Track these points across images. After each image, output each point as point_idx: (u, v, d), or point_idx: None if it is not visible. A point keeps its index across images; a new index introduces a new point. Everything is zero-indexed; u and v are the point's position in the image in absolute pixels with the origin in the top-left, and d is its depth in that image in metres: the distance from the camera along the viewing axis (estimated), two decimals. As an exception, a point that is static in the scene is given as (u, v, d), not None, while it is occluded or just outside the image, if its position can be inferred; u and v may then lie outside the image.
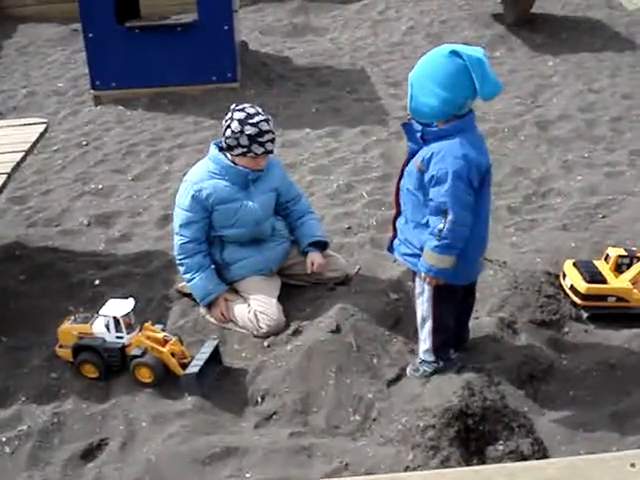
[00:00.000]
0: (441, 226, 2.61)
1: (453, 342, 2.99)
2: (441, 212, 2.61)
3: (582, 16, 8.23)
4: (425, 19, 8.45)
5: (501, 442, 2.64)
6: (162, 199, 4.64)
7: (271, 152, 3.33)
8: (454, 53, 2.53)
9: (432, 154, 2.60)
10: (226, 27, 6.01)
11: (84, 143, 5.56)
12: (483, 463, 2.56)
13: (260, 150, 3.27)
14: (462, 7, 8.78)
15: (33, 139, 3.57)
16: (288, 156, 5.15)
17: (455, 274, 2.73)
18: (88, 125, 5.90)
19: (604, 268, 3.40)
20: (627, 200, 4.36)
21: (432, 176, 2.60)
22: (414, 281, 2.89)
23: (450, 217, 2.59)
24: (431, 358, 2.92)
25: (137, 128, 5.79)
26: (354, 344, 3.12)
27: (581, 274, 3.36)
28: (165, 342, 3.05)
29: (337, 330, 3.17)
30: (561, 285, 3.47)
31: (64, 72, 7.23)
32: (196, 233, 3.37)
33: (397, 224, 2.87)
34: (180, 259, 3.40)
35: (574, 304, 3.36)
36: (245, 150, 3.27)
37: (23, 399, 2.98)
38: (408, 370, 3.00)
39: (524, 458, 2.57)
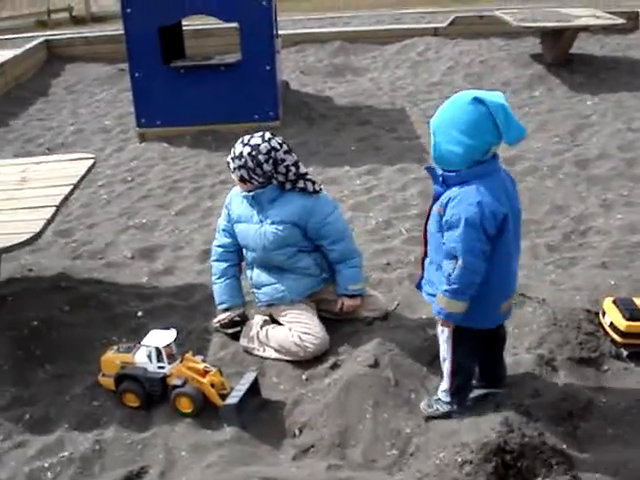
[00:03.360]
0: (451, 271, 2.62)
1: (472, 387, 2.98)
2: (452, 257, 2.62)
3: (621, 56, 8.25)
4: (465, 59, 8.56)
5: (539, 479, 2.62)
6: (204, 234, 4.74)
7: (229, 168, 3.41)
8: (476, 100, 2.53)
9: (449, 199, 2.61)
10: (268, 67, 6.17)
11: (129, 179, 5.73)
12: (521, 500, 2.54)
13: None
14: (502, 47, 8.88)
15: (81, 173, 3.70)
16: (328, 193, 5.21)
17: (473, 318, 2.73)
18: (133, 161, 6.09)
19: (645, 306, 3.37)
20: (668, 239, 4.32)
21: (447, 221, 2.62)
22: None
23: (460, 263, 2.59)
24: (447, 399, 2.93)
25: (180, 165, 5.95)
26: (392, 379, 3.14)
27: (621, 312, 3.33)
28: (205, 373, 3.10)
29: (375, 364, 3.19)
30: (600, 323, 3.44)
31: (110, 110, 7.48)
32: (225, 240, 3.57)
33: (425, 263, 2.90)
34: (211, 260, 3.66)
35: (614, 342, 3.33)
36: None
37: (65, 426, 3.05)
38: (422, 405, 3.01)
39: (563, 497, 2.56)
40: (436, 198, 2.73)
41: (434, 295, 2.79)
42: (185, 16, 6.17)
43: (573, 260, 4.23)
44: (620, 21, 7.47)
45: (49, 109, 7.82)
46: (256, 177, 3.34)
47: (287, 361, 3.39)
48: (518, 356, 3.27)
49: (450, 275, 2.63)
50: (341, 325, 3.57)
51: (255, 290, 3.58)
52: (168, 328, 3.23)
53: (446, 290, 2.66)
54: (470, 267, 2.60)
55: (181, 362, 3.13)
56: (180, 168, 5.89)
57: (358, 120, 6.84)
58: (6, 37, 11.41)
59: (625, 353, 3.29)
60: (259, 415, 3.08)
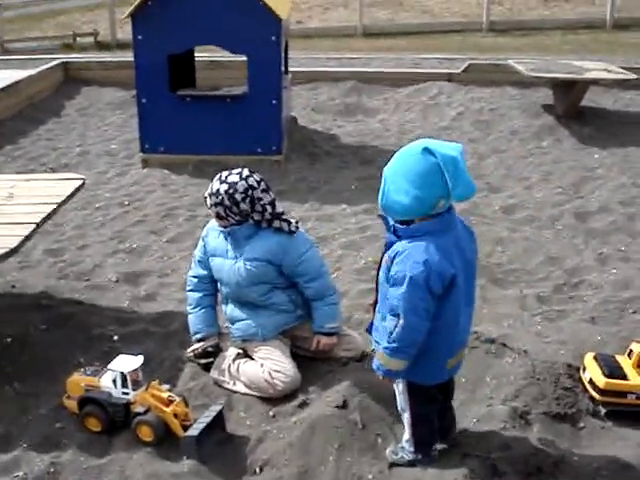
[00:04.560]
0: (392, 329, 2.54)
1: (438, 436, 2.89)
2: (395, 314, 2.53)
3: (633, 111, 8.23)
4: (475, 106, 8.57)
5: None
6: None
7: (205, 204, 3.40)
8: (427, 150, 2.42)
9: (396, 254, 2.52)
10: (274, 101, 6.20)
11: (126, 203, 5.74)
12: None
13: None
14: (514, 96, 8.89)
15: (67, 193, 3.70)
16: (322, 230, 5.21)
17: (418, 374, 2.67)
18: (133, 186, 6.11)
19: (626, 364, 3.28)
20: (661, 297, 4.24)
21: (391, 276, 2.53)
22: None
23: (401, 322, 2.51)
24: (411, 449, 2.84)
25: (179, 192, 5.96)
26: (359, 422, 3.06)
27: (600, 368, 3.24)
28: (169, 402, 3.05)
29: (344, 406, 3.11)
30: (580, 378, 3.35)
31: (118, 134, 7.54)
32: (200, 271, 3.53)
33: (376, 309, 2.78)
34: (186, 290, 3.62)
35: (592, 399, 3.24)
36: None
37: (24, 445, 3.00)
38: (387, 451, 2.92)
39: None
40: (388, 247, 2.61)
41: (379, 343, 2.71)
42: (194, 46, 6.24)
43: (562, 313, 4.15)
44: (632, 76, 7.46)
45: (58, 130, 7.90)
46: (232, 215, 3.31)
47: (256, 396, 3.32)
48: (492, 407, 3.18)
49: (392, 333, 2.55)
50: (315, 364, 3.50)
51: (229, 325, 3.53)
52: (136, 354, 3.18)
53: (386, 347, 2.59)
54: (411, 326, 2.51)
55: (146, 390, 3.08)
56: (178, 196, 5.89)
57: (362, 159, 6.83)
58: (28, 57, 11.62)
59: (603, 411, 3.20)
60: (221, 450, 3.01)
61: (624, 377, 3.20)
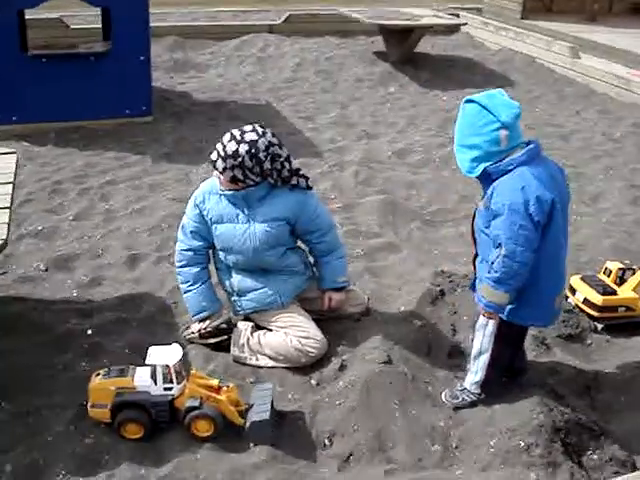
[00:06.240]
0: (494, 259, 2.57)
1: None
2: (497, 245, 2.57)
3: (453, 55, 8.78)
4: (310, 56, 8.56)
5: (590, 451, 2.67)
6: (119, 239, 4.24)
7: (215, 168, 3.08)
8: (467, 101, 2.63)
9: (493, 189, 2.59)
10: (142, 57, 5.69)
11: (-3, 182, 4.94)
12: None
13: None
14: (340, 45, 9.04)
15: (12, 169, 3.11)
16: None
17: (532, 315, 2.71)
18: (-8, 163, 5.26)
19: (607, 281, 3.58)
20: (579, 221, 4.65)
21: (492, 210, 2.58)
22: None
23: (502, 251, 2.53)
24: (477, 390, 2.90)
25: (53, 165, 5.27)
26: (408, 373, 3.03)
27: (593, 288, 3.51)
28: (218, 389, 2.75)
29: (389, 361, 3.05)
30: (571, 300, 3.60)
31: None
32: (195, 243, 3.21)
33: (476, 263, 2.82)
34: (178, 267, 3.27)
35: (590, 317, 3.50)
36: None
37: (63, 472, 2.54)
38: (444, 396, 2.96)
39: (623, 464, 2.63)
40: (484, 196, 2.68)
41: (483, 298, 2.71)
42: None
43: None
44: (462, 21, 7.94)
45: None
46: (253, 176, 3.03)
47: (286, 368, 3.13)
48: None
49: (493, 263, 2.58)
50: (328, 323, 3.35)
51: (236, 297, 3.24)
52: (170, 343, 2.81)
53: (488, 278, 2.61)
54: (513, 256, 2.53)
55: (188, 380, 2.75)
56: (53, 170, 5.20)
57: (228, 115, 6.53)
58: None
59: (600, 326, 3.48)
60: (280, 429, 2.80)
61: (614, 293, 3.50)
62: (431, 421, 2.84)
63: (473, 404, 2.90)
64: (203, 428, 2.69)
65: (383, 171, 5.41)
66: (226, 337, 3.19)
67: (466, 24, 8.13)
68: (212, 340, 3.21)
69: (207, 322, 3.21)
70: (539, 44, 8.86)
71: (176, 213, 4.52)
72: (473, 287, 2.86)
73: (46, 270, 3.85)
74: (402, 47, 7.98)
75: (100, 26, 6.20)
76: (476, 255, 2.81)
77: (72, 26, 8.78)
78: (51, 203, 4.68)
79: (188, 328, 3.29)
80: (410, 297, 3.62)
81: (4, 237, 2.62)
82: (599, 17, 10.63)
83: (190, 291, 3.22)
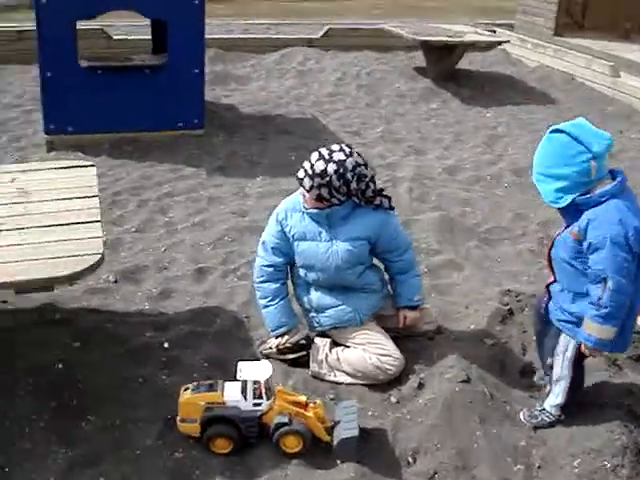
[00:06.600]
0: (600, 294, 2.56)
1: None
2: (600, 280, 2.56)
3: (495, 71, 8.81)
4: (351, 70, 8.62)
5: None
6: (183, 251, 4.28)
7: (301, 186, 3.10)
8: (554, 131, 2.61)
9: (588, 221, 2.57)
10: (196, 70, 5.75)
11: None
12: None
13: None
14: (380, 60, 9.10)
15: (93, 182, 3.17)
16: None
17: (617, 343, 2.71)
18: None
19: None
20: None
21: (590, 243, 2.57)
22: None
23: (610, 285, 2.53)
24: (557, 413, 2.92)
25: (108, 176, 5.32)
26: (487, 392, 3.04)
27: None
28: (306, 406, 2.78)
29: (468, 380, 3.07)
30: None
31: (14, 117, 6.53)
32: (276, 259, 3.24)
33: (551, 289, 2.83)
34: (258, 282, 3.30)
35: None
36: None
37: (156, 487, 2.57)
38: (523, 415, 2.98)
39: None
40: (566, 226, 2.69)
41: (569, 322, 2.75)
42: (107, 10, 5.51)
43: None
44: (504, 39, 7.96)
45: None
46: (339, 196, 3.06)
47: (364, 385, 3.15)
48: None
49: (600, 299, 2.56)
50: (402, 341, 3.37)
51: (314, 314, 3.27)
52: (258, 359, 2.85)
53: (596, 315, 2.59)
54: (619, 289, 2.54)
55: (275, 396, 2.77)
56: (111, 180, 5.27)
57: (277, 129, 6.59)
58: None
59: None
60: (365, 446, 2.81)
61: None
62: (512, 440, 2.86)
63: (552, 425, 2.92)
64: (292, 444, 2.71)
65: (436, 188, 5.43)
66: (304, 353, 3.21)
67: (508, 42, 8.15)
68: (291, 356, 3.23)
69: (285, 338, 3.24)
70: (578, 62, 8.87)
71: (237, 227, 4.58)
72: (546, 311, 2.88)
73: (116, 282, 3.90)
74: (443, 63, 8.02)
75: (145, 37, 6.28)
76: (553, 281, 2.82)
77: (114, 37, 8.90)
78: (111, 215, 4.73)
79: (264, 343, 3.32)
80: (478, 316, 3.64)
81: (101, 251, 2.65)
82: (632, 35, 10.62)
83: (270, 306, 3.25)
